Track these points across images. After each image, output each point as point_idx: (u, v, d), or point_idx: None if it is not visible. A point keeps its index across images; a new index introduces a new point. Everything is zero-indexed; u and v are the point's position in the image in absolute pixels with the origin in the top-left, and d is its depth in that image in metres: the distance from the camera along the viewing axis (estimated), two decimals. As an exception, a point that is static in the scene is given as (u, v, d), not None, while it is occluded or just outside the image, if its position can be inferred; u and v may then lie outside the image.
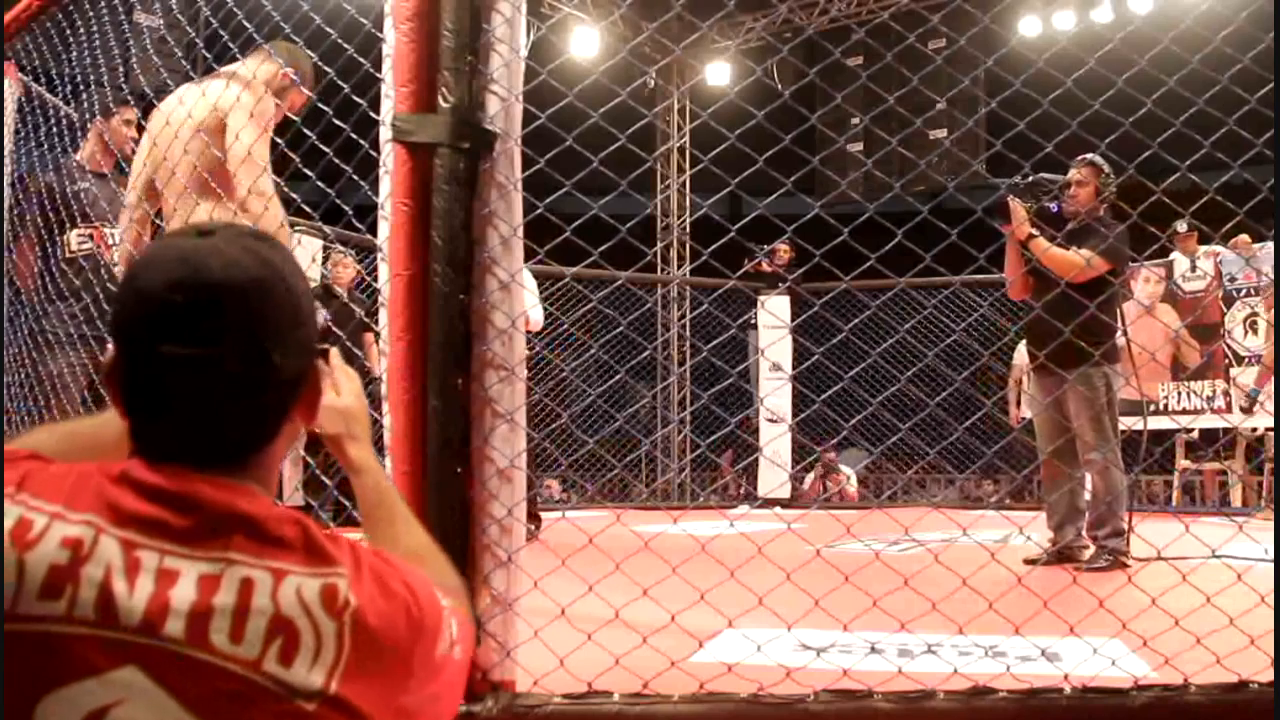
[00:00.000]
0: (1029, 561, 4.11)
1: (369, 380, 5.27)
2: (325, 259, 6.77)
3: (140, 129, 3.88)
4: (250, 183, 3.04)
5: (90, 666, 0.85)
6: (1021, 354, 8.15)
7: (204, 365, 0.92)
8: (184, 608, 0.87)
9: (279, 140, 3.07)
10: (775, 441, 8.41)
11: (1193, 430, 8.04)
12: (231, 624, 0.87)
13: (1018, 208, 4.19)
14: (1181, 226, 7.32)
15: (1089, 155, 4.28)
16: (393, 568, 0.99)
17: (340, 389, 1.29)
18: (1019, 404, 8.09)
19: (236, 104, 3.10)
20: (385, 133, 1.90)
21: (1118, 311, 4.24)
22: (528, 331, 5.76)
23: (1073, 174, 4.29)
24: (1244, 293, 7.46)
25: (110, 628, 0.86)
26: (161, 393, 0.93)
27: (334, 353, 1.11)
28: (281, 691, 0.87)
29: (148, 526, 0.90)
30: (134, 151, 3.92)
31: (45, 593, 0.85)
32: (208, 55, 3.19)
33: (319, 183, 2.51)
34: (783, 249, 8.41)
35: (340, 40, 2.32)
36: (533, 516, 5.37)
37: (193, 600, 0.87)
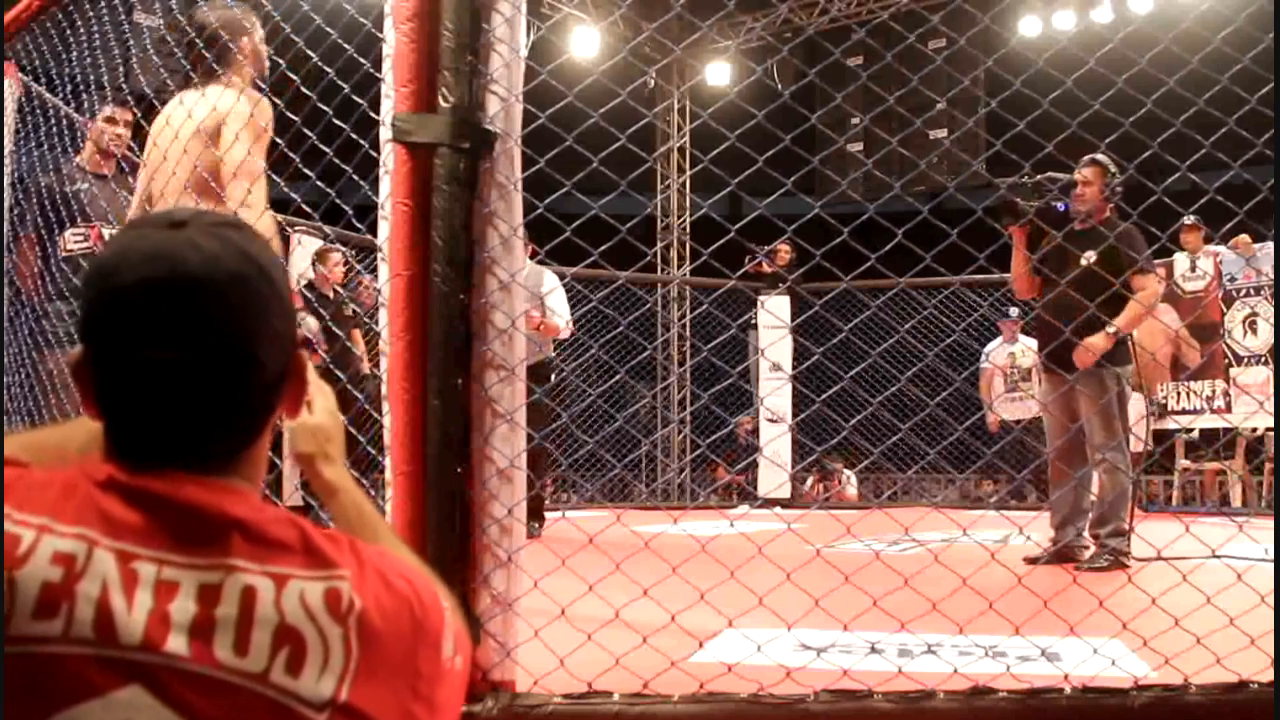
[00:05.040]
0: (1029, 561, 4.11)
1: (360, 378, 5.28)
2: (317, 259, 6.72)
3: (138, 129, 3.88)
4: (242, 195, 3.04)
5: (92, 688, 0.81)
6: (992, 355, 8.10)
7: (185, 367, 0.88)
8: (185, 621, 0.83)
9: (279, 140, 3.07)
10: (775, 442, 8.40)
11: (1193, 430, 8.04)
12: (236, 636, 0.84)
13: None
14: (1188, 221, 7.32)
15: (1095, 155, 4.28)
16: (395, 564, 0.97)
17: (313, 405, 1.24)
18: (990, 406, 7.99)
19: (234, 109, 3.09)
20: (385, 133, 1.90)
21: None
22: (557, 337, 5.77)
23: (1078, 173, 4.30)
24: (1244, 293, 7.46)
25: (110, 647, 0.82)
26: (141, 395, 0.89)
27: (309, 368, 1.06)
28: (291, 703, 0.84)
29: (142, 535, 0.86)
30: (129, 153, 3.93)
31: (40, 613, 0.81)
32: (207, 55, 3.18)
33: (319, 183, 2.51)
34: (783, 249, 8.40)
35: (340, 40, 2.32)
36: (538, 514, 5.38)
37: (194, 613, 0.84)
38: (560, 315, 5.63)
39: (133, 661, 0.82)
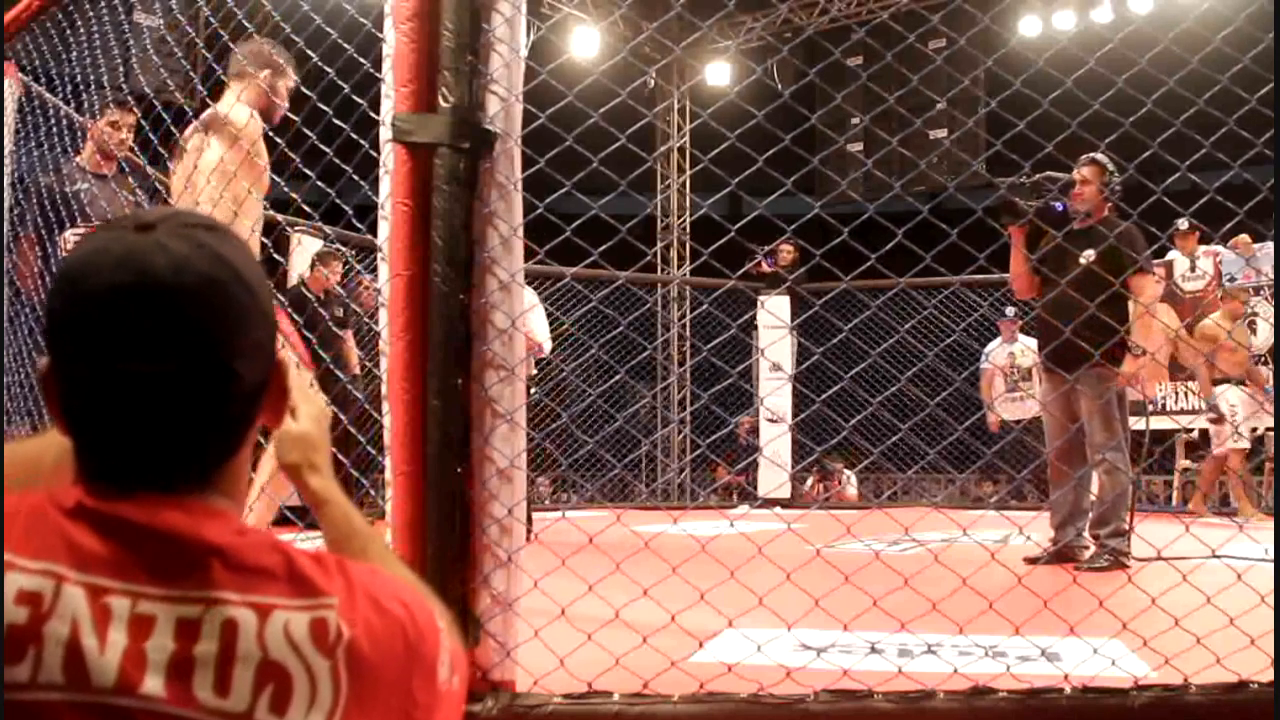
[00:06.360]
0: (1029, 561, 4.11)
1: (350, 378, 5.28)
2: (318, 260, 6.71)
3: (139, 130, 3.90)
4: (211, 194, 3.10)
5: None
6: (992, 355, 8.08)
7: (159, 381, 0.82)
8: (162, 660, 0.78)
9: (279, 140, 3.08)
10: (775, 442, 8.40)
11: (1192, 430, 8.03)
12: (216, 675, 0.79)
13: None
14: (1182, 225, 7.32)
15: (1094, 154, 4.29)
16: (387, 584, 0.91)
17: (298, 414, 1.18)
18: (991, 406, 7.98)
19: (215, 119, 3.30)
20: (385, 133, 1.90)
21: (1128, 310, 4.24)
22: (538, 355, 5.78)
23: (1077, 172, 4.30)
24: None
25: (83, 691, 0.76)
26: (108, 410, 0.83)
27: (292, 373, 0.99)
28: None
29: (115, 567, 0.80)
30: (130, 153, 3.97)
31: (6, 657, 0.77)
32: (208, 55, 3.19)
33: (319, 183, 2.51)
34: (786, 249, 8.39)
35: (340, 40, 2.32)
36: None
37: (171, 651, 0.78)
38: (541, 335, 5.64)
39: (107, 705, 0.77)
